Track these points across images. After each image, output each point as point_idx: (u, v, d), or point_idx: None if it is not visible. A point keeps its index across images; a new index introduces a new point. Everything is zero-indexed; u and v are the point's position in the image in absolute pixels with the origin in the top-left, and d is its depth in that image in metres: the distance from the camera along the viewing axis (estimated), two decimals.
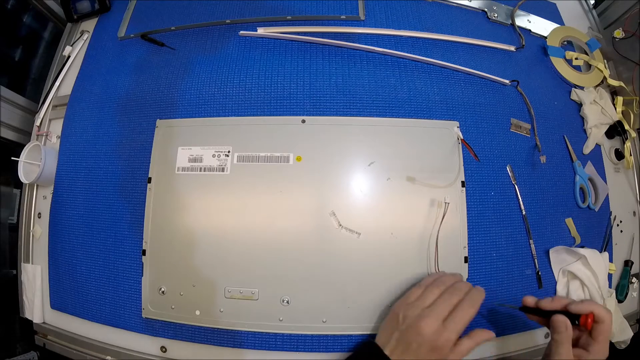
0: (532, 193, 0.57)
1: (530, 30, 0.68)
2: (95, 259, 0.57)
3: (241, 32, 0.61)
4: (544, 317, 0.42)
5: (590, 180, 0.61)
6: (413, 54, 0.59)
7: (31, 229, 0.63)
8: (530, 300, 0.44)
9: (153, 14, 0.68)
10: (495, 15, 0.67)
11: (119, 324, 0.55)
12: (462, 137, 0.54)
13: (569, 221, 0.58)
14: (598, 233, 0.60)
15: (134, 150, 0.58)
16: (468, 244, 0.52)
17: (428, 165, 0.54)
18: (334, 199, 0.52)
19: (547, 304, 0.42)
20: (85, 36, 0.71)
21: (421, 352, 0.39)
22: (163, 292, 0.53)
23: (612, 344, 0.56)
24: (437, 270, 0.51)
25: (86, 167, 0.60)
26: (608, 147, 0.65)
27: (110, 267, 0.56)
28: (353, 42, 0.59)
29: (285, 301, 0.51)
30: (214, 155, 0.55)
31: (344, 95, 0.56)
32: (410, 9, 0.64)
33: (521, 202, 0.56)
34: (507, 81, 0.61)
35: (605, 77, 0.67)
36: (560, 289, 0.55)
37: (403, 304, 0.44)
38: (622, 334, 0.55)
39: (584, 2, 0.76)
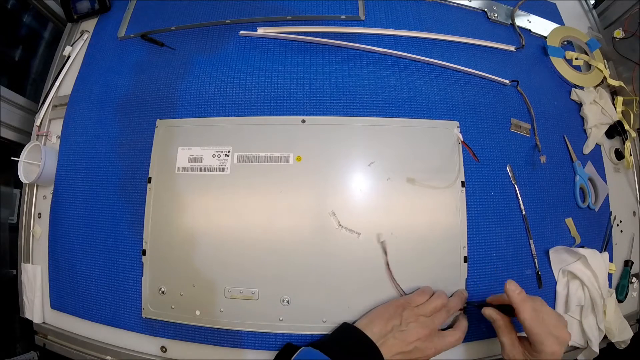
0: (532, 193, 0.57)
1: (530, 30, 0.68)
2: (95, 259, 0.57)
3: (241, 32, 0.61)
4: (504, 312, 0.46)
5: (590, 180, 0.61)
6: (413, 54, 0.59)
7: (31, 229, 0.63)
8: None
9: (153, 14, 0.68)
10: (495, 15, 0.67)
11: (119, 324, 0.55)
12: (462, 139, 0.54)
13: (569, 221, 0.58)
14: (598, 233, 0.60)
15: (134, 150, 0.58)
16: (468, 244, 0.52)
17: (428, 165, 0.54)
18: (334, 199, 0.52)
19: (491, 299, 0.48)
20: (85, 36, 0.71)
21: (413, 353, 0.43)
22: (163, 292, 0.53)
23: (612, 344, 0.56)
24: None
25: (86, 167, 0.60)
26: (608, 147, 0.65)
27: (110, 267, 0.56)
28: (353, 42, 0.59)
29: (285, 301, 0.51)
30: (214, 155, 0.55)
31: (344, 95, 0.56)
32: (410, 9, 0.64)
33: (521, 202, 0.56)
34: (507, 81, 0.61)
35: (605, 77, 0.67)
36: (560, 289, 0.55)
37: (407, 305, 0.46)
38: (622, 334, 0.55)
39: (584, 2, 0.76)
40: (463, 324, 0.48)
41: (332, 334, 0.47)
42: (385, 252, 0.50)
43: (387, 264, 0.50)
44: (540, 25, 0.69)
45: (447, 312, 0.47)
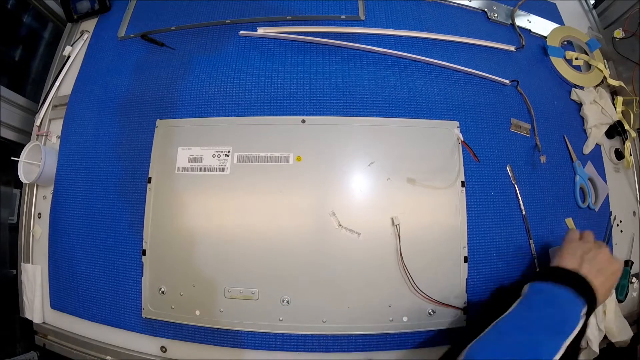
0: (532, 193, 0.57)
1: (530, 30, 0.68)
2: (95, 259, 0.57)
3: (241, 32, 0.61)
4: None
5: (590, 180, 0.61)
6: (413, 54, 0.59)
7: (31, 229, 0.63)
8: None
9: (153, 14, 0.68)
10: (495, 15, 0.67)
11: (118, 324, 0.55)
12: (462, 139, 0.54)
13: (569, 221, 0.58)
14: (598, 233, 0.60)
15: (134, 150, 0.58)
16: (468, 244, 0.52)
17: (428, 165, 0.54)
18: (334, 199, 0.52)
19: None
20: (85, 36, 0.71)
21: (608, 273, 0.43)
22: (163, 292, 0.53)
23: (612, 344, 0.56)
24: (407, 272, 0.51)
25: (86, 167, 0.60)
26: (608, 147, 0.65)
27: (110, 267, 0.56)
28: (353, 42, 0.59)
29: (285, 301, 0.51)
30: (214, 155, 0.55)
31: (344, 95, 0.56)
32: (410, 9, 0.64)
33: (521, 202, 0.56)
34: (507, 81, 0.61)
35: (605, 77, 0.66)
36: None
37: (574, 240, 0.47)
38: (622, 334, 0.55)
39: (584, 2, 0.76)
40: None
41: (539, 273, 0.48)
42: (398, 237, 0.50)
43: (400, 251, 0.50)
44: (540, 25, 0.69)
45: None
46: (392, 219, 0.51)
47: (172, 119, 0.58)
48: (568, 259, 0.45)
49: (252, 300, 0.51)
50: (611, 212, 0.61)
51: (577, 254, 0.45)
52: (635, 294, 0.61)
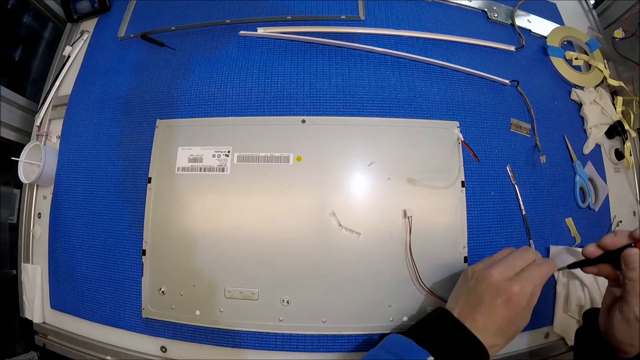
0: (532, 193, 0.57)
1: (530, 30, 0.68)
2: (95, 259, 0.57)
3: (241, 32, 0.61)
4: (608, 261, 0.36)
5: (590, 180, 0.61)
6: (413, 54, 0.59)
7: (31, 229, 0.63)
8: (592, 249, 0.36)
9: (153, 14, 0.68)
10: (495, 15, 0.67)
11: (119, 324, 0.55)
12: (462, 139, 0.54)
13: (569, 221, 0.58)
14: (598, 233, 0.60)
15: (134, 150, 0.58)
16: (468, 244, 0.52)
17: (428, 165, 0.54)
18: (334, 199, 0.52)
19: (609, 241, 0.35)
20: (85, 36, 0.71)
21: (496, 304, 0.34)
22: (163, 292, 0.53)
23: None
24: (416, 271, 0.51)
25: (86, 167, 0.60)
26: (608, 147, 0.65)
27: (110, 267, 0.56)
28: (353, 42, 0.59)
29: (285, 301, 0.51)
30: (214, 155, 0.55)
31: (344, 95, 0.56)
32: (410, 9, 0.64)
33: (521, 202, 0.56)
34: (507, 81, 0.61)
35: (605, 77, 0.67)
36: (560, 289, 0.55)
37: (472, 265, 0.40)
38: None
39: (584, 2, 0.76)
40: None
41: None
42: (409, 230, 0.50)
43: (409, 244, 0.50)
44: (540, 25, 0.69)
45: (523, 251, 0.38)
46: (404, 211, 0.51)
47: (172, 119, 0.58)
48: (451, 297, 0.40)
49: (252, 300, 0.51)
50: (615, 215, 0.61)
51: (461, 286, 0.39)
52: None
